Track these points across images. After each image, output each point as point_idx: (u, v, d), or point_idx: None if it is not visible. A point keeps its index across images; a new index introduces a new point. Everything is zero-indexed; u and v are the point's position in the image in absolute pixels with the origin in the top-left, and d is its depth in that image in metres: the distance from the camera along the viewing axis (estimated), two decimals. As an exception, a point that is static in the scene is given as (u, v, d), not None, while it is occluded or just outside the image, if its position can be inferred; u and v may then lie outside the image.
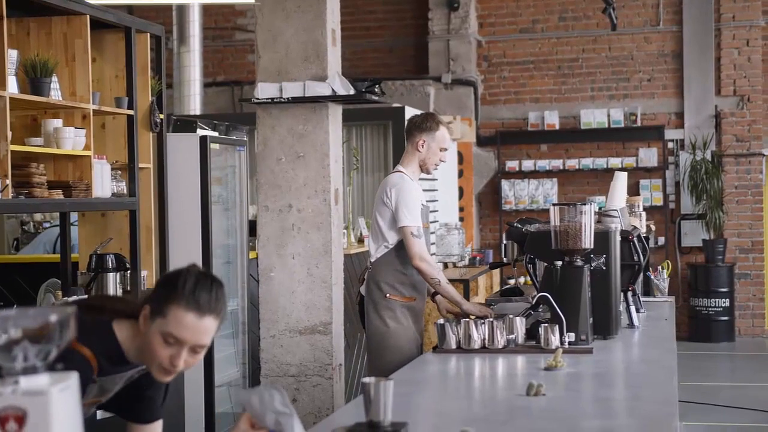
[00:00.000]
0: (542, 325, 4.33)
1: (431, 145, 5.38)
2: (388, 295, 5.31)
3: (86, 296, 5.14)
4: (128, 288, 5.75)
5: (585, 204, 4.52)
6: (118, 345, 2.73)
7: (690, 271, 12.77)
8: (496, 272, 11.59)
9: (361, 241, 8.68)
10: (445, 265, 10.45)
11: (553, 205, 4.56)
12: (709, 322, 12.54)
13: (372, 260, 5.43)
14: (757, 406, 8.83)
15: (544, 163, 13.15)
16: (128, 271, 5.72)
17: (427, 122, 5.42)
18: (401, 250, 5.28)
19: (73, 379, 1.82)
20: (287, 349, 5.88)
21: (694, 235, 12.88)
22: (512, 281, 12.40)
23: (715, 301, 12.52)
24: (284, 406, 2.58)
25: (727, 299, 12.55)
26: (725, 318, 12.57)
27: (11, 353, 1.78)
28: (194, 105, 10.82)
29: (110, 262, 5.56)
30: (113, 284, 5.56)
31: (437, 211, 10.72)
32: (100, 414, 4.54)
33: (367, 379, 2.77)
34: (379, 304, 5.33)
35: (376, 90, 6.25)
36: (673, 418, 2.98)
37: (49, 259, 6.64)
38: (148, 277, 6.01)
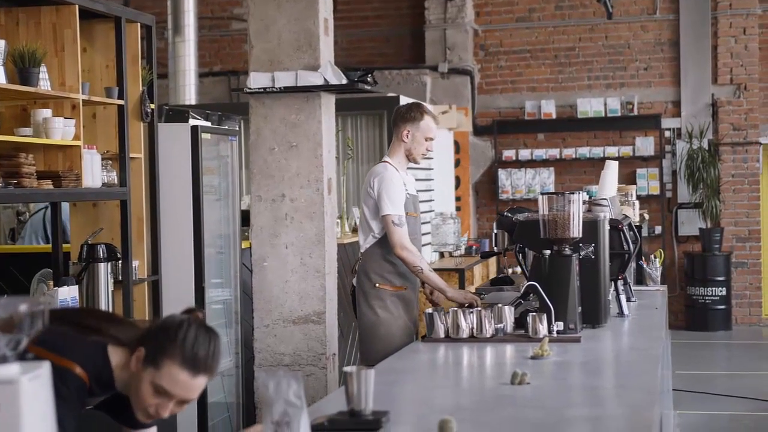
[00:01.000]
0: (530, 314, 4.33)
1: (416, 135, 5.40)
2: (377, 284, 5.33)
3: (84, 308, 5.09)
4: (119, 278, 5.74)
5: (573, 193, 4.52)
6: (110, 370, 2.71)
7: (687, 260, 12.78)
8: (493, 261, 11.59)
9: (355, 230, 8.68)
10: (441, 255, 10.45)
11: (542, 194, 4.56)
12: (705, 311, 12.55)
13: (361, 251, 5.46)
14: (752, 395, 8.84)
15: (540, 153, 13.15)
16: (119, 261, 5.72)
17: (411, 112, 5.44)
18: (388, 239, 5.30)
19: (44, 368, 1.83)
20: (281, 339, 5.88)
21: (690, 224, 12.88)
22: (509, 270, 12.42)
23: (712, 290, 12.53)
24: (297, 398, 2.59)
25: (724, 288, 12.55)
26: (722, 307, 12.58)
27: (-19, 343, 1.78)
28: (189, 95, 10.81)
29: (101, 252, 5.56)
30: (104, 274, 5.56)
31: (433, 200, 10.73)
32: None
33: (348, 369, 2.79)
34: (369, 294, 5.35)
35: (368, 79, 6.24)
36: (653, 406, 2.98)
37: (42, 249, 6.63)
38: (140, 267, 6.01)
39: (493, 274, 11.25)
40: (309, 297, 5.92)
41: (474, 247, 11.16)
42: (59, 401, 2.24)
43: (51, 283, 5.60)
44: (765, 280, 13.18)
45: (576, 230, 4.48)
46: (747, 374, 10.14)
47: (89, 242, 5.61)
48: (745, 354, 11.51)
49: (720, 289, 12.54)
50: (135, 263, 5.90)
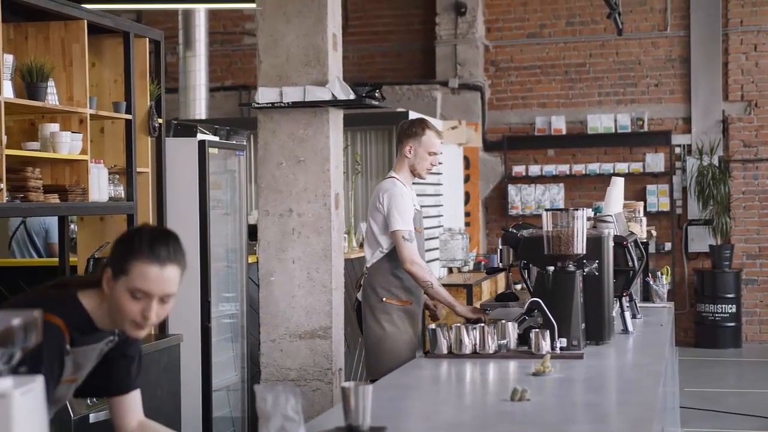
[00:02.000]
0: (533, 330, 4.33)
1: (418, 151, 5.45)
2: (384, 299, 5.36)
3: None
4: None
5: (577, 209, 4.52)
6: (86, 313, 2.80)
7: (697, 277, 12.74)
8: (501, 277, 11.58)
9: (362, 245, 8.69)
10: (450, 270, 10.45)
11: (546, 210, 4.56)
12: (715, 328, 12.51)
13: (368, 265, 5.49)
14: (762, 413, 8.80)
15: (551, 168, 13.14)
16: (126, 275, 5.73)
17: (413, 128, 5.49)
18: (396, 254, 5.32)
19: (37, 382, 1.84)
20: (287, 354, 5.89)
21: (700, 240, 12.85)
22: (518, 286, 12.39)
23: (722, 307, 12.49)
24: (295, 413, 2.60)
25: (734, 305, 12.51)
26: (732, 324, 12.53)
27: (-26, 357, 1.80)
28: (200, 109, 10.86)
29: (108, 265, 5.57)
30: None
31: (442, 216, 10.74)
32: (93, 417, 4.59)
33: (346, 384, 2.79)
34: (375, 308, 5.37)
35: (376, 95, 6.25)
36: (651, 423, 2.98)
37: (49, 263, 6.67)
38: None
39: (501, 290, 11.23)
40: (315, 312, 5.93)
41: (483, 262, 11.15)
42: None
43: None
44: (776, 298, 13.14)
45: (580, 247, 4.47)
46: (756, 392, 10.09)
47: (95, 256, 5.63)
48: (755, 372, 11.45)
49: (730, 306, 12.49)
50: (141, 277, 5.91)
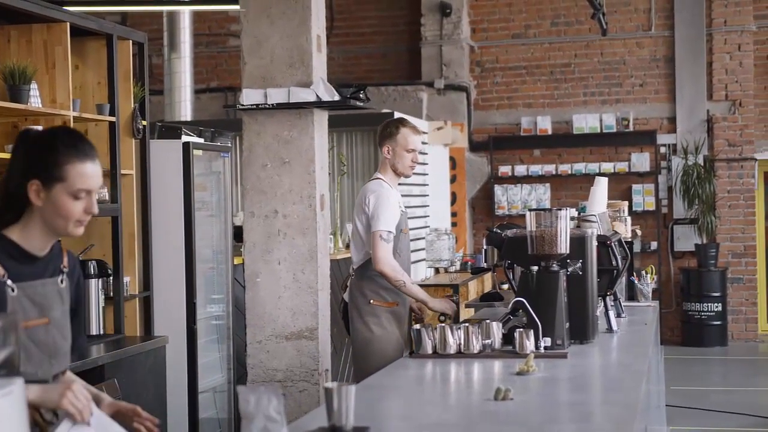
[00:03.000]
0: (517, 330, 4.34)
1: (396, 150, 5.50)
2: (372, 301, 5.38)
3: None
4: (111, 294, 5.76)
5: (561, 209, 4.53)
6: (14, 244, 2.78)
7: (683, 276, 12.78)
8: (488, 277, 11.59)
9: (348, 246, 8.69)
10: (436, 270, 10.46)
11: (530, 210, 4.57)
12: (701, 327, 12.55)
13: (354, 267, 5.50)
14: (748, 411, 8.84)
15: (536, 169, 13.17)
16: (110, 278, 5.73)
17: (387, 128, 5.56)
18: None
19: (17, 384, 1.84)
20: (273, 355, 5.89)
21: (686, 239, 12.89)
22: (505, 286, 12.41)
23: (708, 306, 12.53)
24: (277, 414, 2.61)
25: (720, 304, 12.55)
26: (718, 322, 12.58)
27: (-46, 359, 1.79)
28: (185, 111, 10.84)
29: (92, 268, 5.57)
30: (95, 291, 5.56)
31: (428, 216, 10.75)
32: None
33: (328, 384, 2.80)
34: (363, 311, 5.39)
35: (360, 96, 6.25)
36: (632, 422, 2.99)
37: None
38: (131, 283, 6.03)
39: (488, 290, 11.24)
40: (302, 313, 5.93)
41: (470, 262, 11.16)
42: None
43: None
44: (761, 296, 13.19)
45: (563, 246, 4.48)
46: (742, 390, 10.14)
47: (80, 258, 5.62)
48: (741, 370, 11.49)
49: (716, 304, 12.54)
50: (126, 279, 5.91)
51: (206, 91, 13.54)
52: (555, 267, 4.50)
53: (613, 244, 5.12)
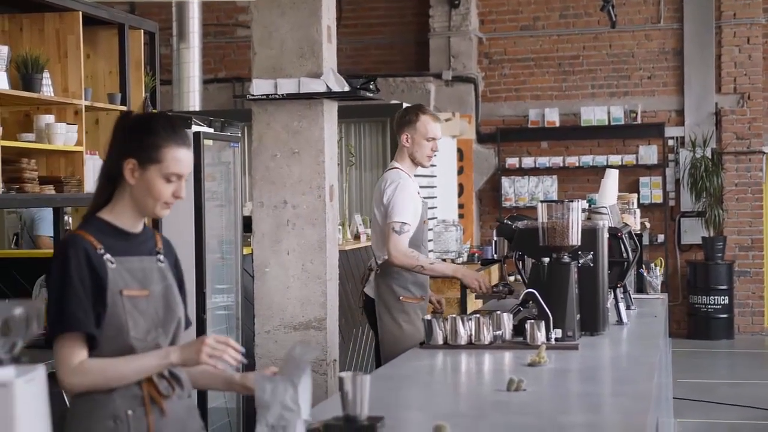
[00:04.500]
0: (528, 321, 4.34)
1: (415, 138, 5.37)
2: (401, 297, 5.28)
3: None
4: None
5: (572, 201, 4.53)
6: (107, 222, 2.92)
7: (689, 269, 12.78)
8: (495, 268, 11.60)
9: (357, 237, 8.70)
10: (443, 262, 10.45)
11: (541, 202, 4.57)
12: (708, 320, 12.55)
13: (380, 261, 5.36)
14: (754, 404, 8.85)
15: (544, 161, 13.16)
16: (121, 267, 5.73)
17: (407, 116, 5.41)
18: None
19: (39, 371, 1.85)
20: (282, 345, 5.89)
21: (693, 232, 12.89)
22: (512, 278, 12.41)
23: (715, 299, 12.53)
24: (293, 403, 2.62)
25: (727, 297, 12.55)
26: (724, 315, 12.58)
27: (-24, 346, 1.80)
28: (194, 101, 10.84)
29: (103, 257, 5.57)
30: (106, 280, 5.57)
31: (436, 207, 10.74)
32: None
33: (343, 374, 2.80)
34: (393, 307, 5.28)
35: (370, 87, 6.25)
36: (647, 413, 3.00)
37: (44, 254, 6.65)
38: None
39: (495, 281, 11.24)
40: (310, 303, 5.93)
41: (477, 254, 11.16)
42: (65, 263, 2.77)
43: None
44: (767, 289, 13.18)
45: (575, 238, 4.48)
46: (749, 383, 10.14)
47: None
48: (747, 363, 11.51)
49: (722, 297, 12.54)
50: (136, 268, 5.91)
51: (214, 81, 13.53)
52: (566, 259, 4.50)
53: (623, 236, 5.12)
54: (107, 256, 2.86)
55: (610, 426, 2.95)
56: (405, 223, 5.23)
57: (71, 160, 5.31)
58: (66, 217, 6.30)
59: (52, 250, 5.96)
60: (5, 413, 1.77)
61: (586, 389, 3.62)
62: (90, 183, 5.38)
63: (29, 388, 1.81)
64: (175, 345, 2.97)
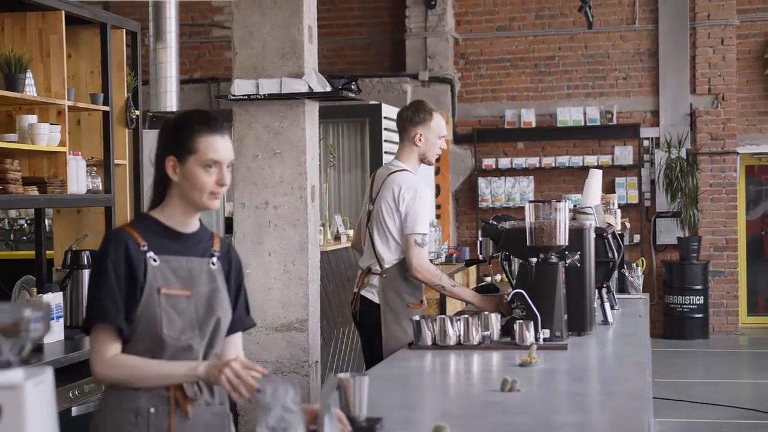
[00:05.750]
0: (517, 321, 4.34)
1: (429, 137, 5.16)
2: (409, 304, 5.11)
3: None
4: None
5: (560, 201, 4.53)
6: (157, 221, 2.98)
7: (665, 269, 12.85)
8: (473, 269, 11.63)
9: (337, 238, 8.68)
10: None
11: (529, 202, 4.57)
12: (683, 320, 12.62)
13: (387, 266, 5.12)
14: (730, 403, 8.91)
15: (520, 161, 13.19)
16: (103, 268, 5.68)
17: (419, 113, 5.15)
18: None
19: (47, 374, 1.82)
20: (264, 346, 5.88)
21: (669, 232, 12.96)
22: (488, 278, 12.44)
23: (690, 299, 12.61)
24: (294, 404, 2.61)
25: (702, 296, 12.63)
26: (699, 315, 12.66)
27: (-16, 348, 1.78)
28: (170, 102, 10.76)
29: (86, 258, 5.53)
30: (88, 281, 5.52)
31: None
32: (75, 410, 4.55)
33: (342, 375, 2.79)
34: (400, 313, 5.09)
35: (352, 87, 6.25)
36: (644, 413, 3.00)
37: (24, 256, 6.61)
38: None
39: (473, 282, 11.28)
40: (292, 304, 5.92)
41: (455, 255, 11.18)
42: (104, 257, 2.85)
43: (34, 290, 5.56)
44: (741, 289, 13.28)
45: (562, 238, 4.49)
46: (725, 382, 10.21)
47: (74, 249, 5.58)
48: (723, 362, 11.58)
49: (698, 297, 12.62)
50: (119, 270, 5.87)
51: (189, 81, 13.47)
52: (554, 259, 4.51)
53: (608, 236, 5.14)
54: (150, 253, 2.91)
55: (608, 426, 2.95)
56: (425, 235, 5.03)
57: (54, 161, 5.26)
58: (47, 221, 6.25)
59: (32, 253, 5.91)
60: (16, 415, 1.75)
61: (580, 389, 3.63)
62: (73, 184, 5.33)
63: (38, 390, 1.79)
64: (212, 347, 3.02)
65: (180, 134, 2.95)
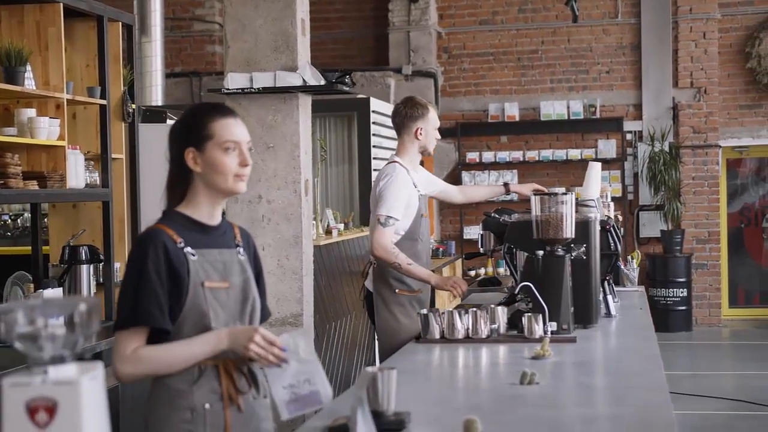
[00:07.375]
0: (525, 314, 4.34)
1: (428, 130, 5.41)
2: (397, 290, 5.27)
3: None
4: (101, 280, 5.67)
5: (566, 193, 4.53)
6: (184, 216, 2.96)
7: (648, 262, 12.90)
8: (459, 263, 11.63)
9: (329, 232, 8.65)
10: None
11: (535, 194, 4.56)
12: (667, 312, 12.67)
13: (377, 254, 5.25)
14: (714, 394, 8.96)
15: (504, 155, 13.20)
16: (101, 263, 5.65)
17: (417, 109, 5.39)
18: (406, 242, 5.22)
19: (99, 368, 1.80)
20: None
21: (652, 225, 13.01)
22: (482, 271, 12.46)
23: (673, 291, 12.66)
24: (308, 354, 2.61)
25: (685, 289, 12.69)
26: (683, 308, 12.72)
27: (38, 343, 1.76)
28: (156, 96, 10.70)
29: (83, 253, 5.49)
30: (86, 276, 5.48)
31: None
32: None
33: (371, 369, 2.77)
34: (389, 300, 5.27)
35: (346, 81, 6.23)
36: (669, 405, 3.00)
37: (18, 251, 6.55)
38: (121, 269, 5.94)
39: (460, 275, 11.25)
40: (286, 299, 5.91)
41: (440, 249, 11.18)
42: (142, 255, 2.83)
43: (31, 286, 5.51)
44: (724, 281, 13.35)
45: (569, 231, 4.49)
46: (708, 374, 10.27)
47: (71, 244, 5.53)
48: (707, 354, 11.64)
49: (681, 290, 12.68)
50: (117, 265, 5.83)
51: (170, 75, 13.37)
52: (560, 251, 4.51)
53: (611, 228, 5.15)
54: (188, 249, 2.89)
55: (639, 419, 2.93)
56: (391, 217, 5.17)
57: (53, 155, 5.20)
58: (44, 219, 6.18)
59: (29, 248, 5.86)
60: (72, 410, 1.72)
61: (596, 382, 3.63)
62: (72, 178, 5.28)
63: (93, 385, 1.77)
64: None
65: (194, 125, 2.95)
